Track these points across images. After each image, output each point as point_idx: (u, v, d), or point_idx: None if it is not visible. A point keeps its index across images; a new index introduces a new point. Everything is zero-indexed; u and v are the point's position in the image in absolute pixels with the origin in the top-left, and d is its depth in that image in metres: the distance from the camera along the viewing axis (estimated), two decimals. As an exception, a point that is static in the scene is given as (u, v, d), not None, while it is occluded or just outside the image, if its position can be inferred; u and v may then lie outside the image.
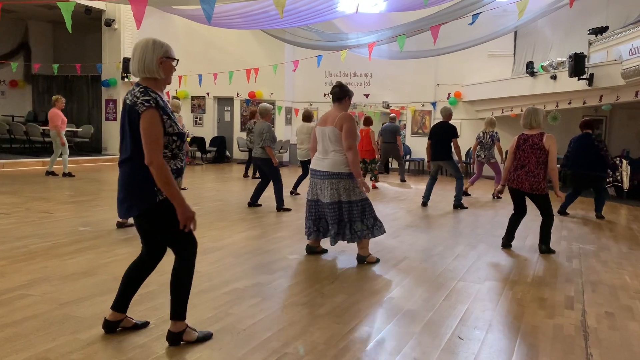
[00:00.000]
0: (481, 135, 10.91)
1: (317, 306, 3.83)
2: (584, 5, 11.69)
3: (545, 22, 13.16)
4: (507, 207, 9.38)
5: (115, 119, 16.25)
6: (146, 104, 2.83)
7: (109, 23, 15.75)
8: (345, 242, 5.19)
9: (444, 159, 9.11)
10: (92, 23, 16.00)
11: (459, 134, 9.30)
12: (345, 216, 5.05)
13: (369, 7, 11.91)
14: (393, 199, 10.28)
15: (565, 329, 3.56)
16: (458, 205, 9.10)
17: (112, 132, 16.29)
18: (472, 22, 8.35)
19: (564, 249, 6.16)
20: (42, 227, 6.23)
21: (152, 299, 3.82)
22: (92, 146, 16.51)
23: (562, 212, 8.86)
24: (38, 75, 17.47)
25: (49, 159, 11.73)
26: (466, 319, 3.68)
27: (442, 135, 9.08)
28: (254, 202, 8.38)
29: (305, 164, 9.77)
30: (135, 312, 3.53)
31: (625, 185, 11.05)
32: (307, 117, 10.05)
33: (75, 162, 11.77)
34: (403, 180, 13.48)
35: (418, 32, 10.95)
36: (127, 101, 2.92)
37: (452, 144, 9.04)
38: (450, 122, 9.30)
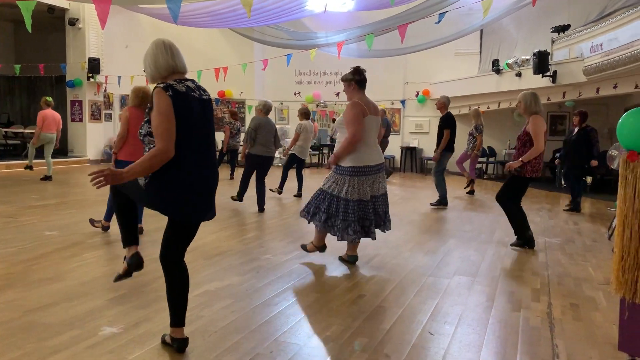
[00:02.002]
0: (482, 128, 10.93)
1: (289, 306, 3.84)
2: (546, 4, 11.94)
3: (510, 21, 13.42)
4: (475, 202, 9.55)
5: (81, 120, 15.91)
6: None
7: (73, 22, 15.40)
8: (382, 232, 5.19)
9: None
10: (56, 22, 15.62)
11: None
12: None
13: (338, 6, 11.96)
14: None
15: (531, 321, 3.65)
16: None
17: (78, 133, 15.95)
18: (439, 21, 8.46)
19: (530, 242, 6.30)
20: (6, 232, 6.06)
21: (123, 303, 3.77)
22: (57, 148, 16.08)
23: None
24: (-1, 76, 17.00)
25: (12, 162, 11.45)
26: (436, 314, 3.74)
27: (455, 126, 9.12)
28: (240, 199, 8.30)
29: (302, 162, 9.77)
30: (105, 316, 3.48)
31: (589, 180, 11.34)
32: (307, 114, 9.95)
33: (40, 165, 11.48)
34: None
35: (386, 31, 11.04)
36: (205, 96, 2.95)
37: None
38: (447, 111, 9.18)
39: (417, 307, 3.90)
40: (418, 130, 16.68)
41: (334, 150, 4.98)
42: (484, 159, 15.35)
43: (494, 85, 13.40)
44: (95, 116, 16.13)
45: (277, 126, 14.34)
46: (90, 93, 15.86)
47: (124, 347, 3.03)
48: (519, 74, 12.18)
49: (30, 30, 7.05)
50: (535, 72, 10.94)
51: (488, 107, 14.24)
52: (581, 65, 9.90)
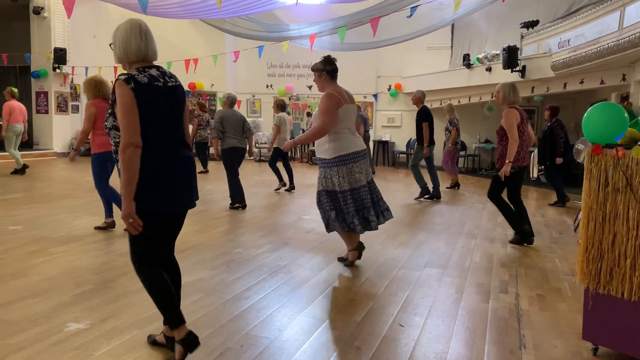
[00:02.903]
0: (456, 122, 10.94)
1: (259, 300, 3.82)
2: (516, 0, 12.14)
3: (480, 16, 13.58)
4: (446, 196, 9.66)
5: (46, 112, 15.52)
6: None
7: (38, 11, 14.97)
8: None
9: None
10: (19, 10, 15.16)
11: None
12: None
13: (310, -2, 11.90)
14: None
15: (500, 312, 3.71)
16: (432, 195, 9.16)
17: (43, 125, 15.55)
18: (411, 15, 8.51)
19: (499, 235, 6.41)
20: (-33, 227, 5.88)
21: (89, 298, 3.69)
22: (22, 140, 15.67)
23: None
24: (-41, 66, 16.43)
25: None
26: (406, 306, 3.77)
27: (432, 119, 9.20)
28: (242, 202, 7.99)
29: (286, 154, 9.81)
30: (71, 312, 3.40)
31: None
32: (283, 106, 9.89)
33: (3, 158, 11.16)
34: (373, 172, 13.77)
35: (358, 24, 11.05)
36: (171, 83, 2.80)
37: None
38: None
39: (387, 299, 3.92)
40: (390, 124, 16.79)
41: (323, 152, 4.76)
42: (463, 153, 15.54)
43: (464, 80, 13.56)
44: (62, 108, 15.76)
45: (249, 119, 14.36)
46: (57, 84, 15.48)
47: (90, 343, 2.97)
48: (489, 69, 12.35)
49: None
50: (505, 67, 11.11)
51: (459, 101, 14.40)
52: (549, 60, 10.09)
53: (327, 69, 4.77)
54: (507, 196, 5.94)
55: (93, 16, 15.86)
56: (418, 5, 8.80)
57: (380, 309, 3.71)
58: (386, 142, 16.69)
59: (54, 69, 15.14)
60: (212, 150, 8.59)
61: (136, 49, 2.74)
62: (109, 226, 5.94)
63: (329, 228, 4.82)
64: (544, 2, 12.34)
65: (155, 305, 2.80)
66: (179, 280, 3.04)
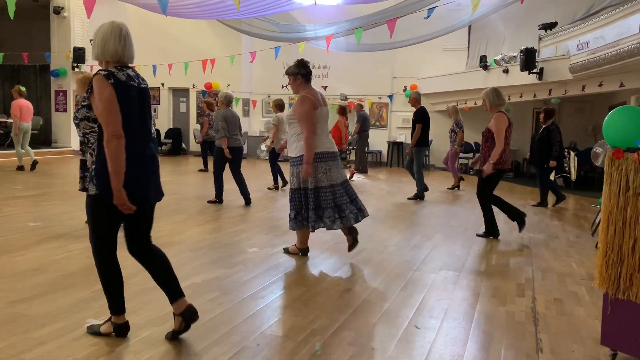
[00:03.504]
0: (462, 124, 11.00)
1: (276, 299, 3.84)
2: (534, 1, 12.03)
3: (497, 17, 13.49)
4: (462, 198, 9.62)
5: (65, 110, 15.72)
6: None
7: (58, 11, 15.17)
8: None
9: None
10: (40, 10, 15.38)
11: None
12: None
13: (327, -1, 11.93)
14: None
15: (516, 315, 3.70)
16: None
17: (62, 123, 15.76)
18: (428, 16, 8.48)
19: (515, 238, 6.37)
20: (-12, 223, 5.99)
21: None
22: (41, 138, 15.92)
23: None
24: (-19, 64, 16.70)
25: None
26: (422, 308, 3.77)
27: (428, 121, 9.28)
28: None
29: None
30: (91, 308, 3.45)
31: (573, 176, 11.49)
32: (281, 106, 10.01)
33: (23, 155, 11.32)
34: (365, 171, 13.79)
35: (375, 25, 11.04)
36: (143, 85, 2.99)
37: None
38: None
39: (403, 301, 3.92)
40: (405, 125, 16.70)
41: (292, 150, 4.94)
42: (470, 155, 15.45)
43: (481, 81, 13.46)
44: (80, 106, 15.93)
45: (263, 119, 14.51)
46: (75, 83, 15.64)
47: (108, 339, 3.01)
48: (506, 71, 12.26)
49: (12, 17, 6.93)
50: (522, 69, 11.02)
51: (475, 103, 14.31)
52: (567, 62, 9.99)
53: (301, 73, 4.90)
54: (477, 192, 6.24)
55: (111, 16, 15.90)
56: (435, 7, 8.76)
57: (395, 310, 3.72)
58: (401, 143, 16.64)
59: (73, 67, 15.34)
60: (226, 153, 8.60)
61: (113, 50, 2.88)
62: None
63: (291, 225, 4.98)
64: (562, 3, 12.22)
65: (103, 289, 3.04)
66: (166, 264, 3.17)
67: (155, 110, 18.09)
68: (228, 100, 8.05)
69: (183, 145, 17.86)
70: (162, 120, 17.96)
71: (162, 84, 17.57)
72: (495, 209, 6.33)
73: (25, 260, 4.59)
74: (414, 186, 9.95)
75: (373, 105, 16.89)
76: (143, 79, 3.03)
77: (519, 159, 15.20)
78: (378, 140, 16.65)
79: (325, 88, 17.07)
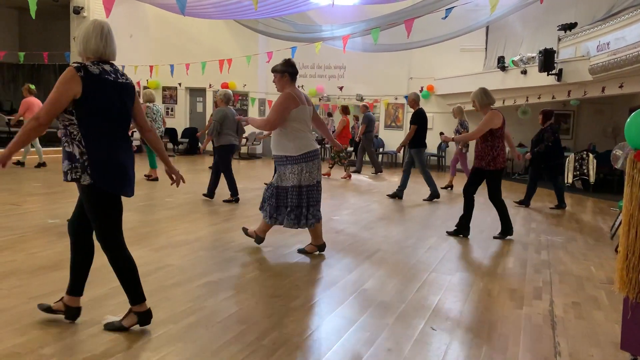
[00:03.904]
0: (467, 124, 11.00)
1: (291, 298, 3.85)
2: (553, 2, 11.90)
3: (516, 18, 13.36)
4: (478, 200, 9.54)
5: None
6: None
7: (78, 10, 15.35)
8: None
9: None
10: (60, 10, 15.59)
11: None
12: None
13: (344, -1, 11.92)
14: (366, 191, 10.33)
15: (533, 318, 3.66)
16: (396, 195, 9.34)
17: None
18: (446, 17, 8.44)
19: (532, 240, 6.30)
20: (9, 219, 6.07)
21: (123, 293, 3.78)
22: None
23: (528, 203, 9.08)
24: (3, 64, 16.96)
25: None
26: (438, 310, 3.75)
27: (426, 122, 9.29)
28: (210, 194, 8.25)
29: None
30: (108, 305, 3.49)
31: (592, 179, 11.35)
32: None
33: (43, 153, 11.49)
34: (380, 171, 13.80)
35: (392, 26, 11.01)
36: (122, 80, 3.04)
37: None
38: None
39: (419, 302, 3.90)
40: (421, 126, 16.63)
41: (276, 149, 5.04)
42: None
43: (499, 82, 13.35)
44: (99, 105, 16.12)
45: None
46: (94, 82, 15.83)
47: (127, 335, 3.04)
48: (524, 72, 12.13)
49: (33, 17, 7.02)
50: (540, 70, 10.89)
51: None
52: (587, 63, 9.85)
53: (289, 71, 5.05)
54: (463, 188, 6.34)
55: (130, 16, 16.18)
56: (453, 7, 8.71)
57: (411, 311, 3.70)
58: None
59: (92, 67, 15.50)
60: (201, 148, 8.76)
61: (95, 48, 2.99)
62: None
63: (276, 221, 5.11)
64: (582, 4, 12.06)
65: (73, 271, 3.19)
66: (133, 263, 3.26)
67: (172, 110, 18.23)
68: (227, 98, 8.17)
69: (199, 144, 17.95)
70: (179, 119, 18.08)
71: (180, 84, 17.70)
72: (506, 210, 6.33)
73: (44, 256, 4.65)
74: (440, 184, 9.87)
75: (389, 106, 16.83)
76: (123, 75, 3.10)
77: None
78: (393, 141, 16.56)
79: (341, 88, 17.08)
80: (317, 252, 5.18)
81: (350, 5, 14.40)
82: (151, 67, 15.04)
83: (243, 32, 16.11)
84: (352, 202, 8.78)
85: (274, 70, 5.10)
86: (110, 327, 3.11)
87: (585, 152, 11.73)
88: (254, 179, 10.59)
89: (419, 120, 9.11)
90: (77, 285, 3.19)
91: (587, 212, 8.94)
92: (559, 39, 11.57)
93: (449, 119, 15.63)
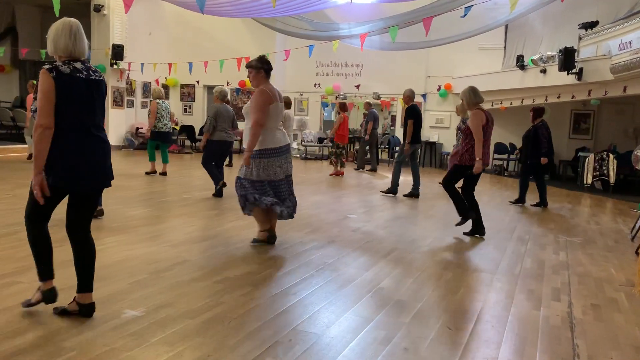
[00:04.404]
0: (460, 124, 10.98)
1: (307, 296, 3.86)
2: (574, 0, 11.74)
3: (535, 16, 13.22)
4: (495, 200, 9.47)
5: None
6: None
7: (98, 9, 15.52)
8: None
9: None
10: (81, 8, 15.75)
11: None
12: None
13: (363, -3, 11.88)
14: (382, 188, 10.30)
15: (551, 320, 3.62)
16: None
17: (101, 119, 16.13)
18: (465, 15, 8.37)
19: (550, 241, 6.24)
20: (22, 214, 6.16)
21: (144, 287, 3.82)
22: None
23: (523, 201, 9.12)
24: (25, 60, 17.22)
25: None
26: (455, 310, 3.73)
27: (420, 118, 9.40)
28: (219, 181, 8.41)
29: None
30: (127, 299, 3.53)
31: (612, 180, 11.19)
32: (288, 103, 10.33)
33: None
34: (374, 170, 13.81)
35: (410, 24, 10.94)
36: (94, 77, 3.17)
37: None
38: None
39: (435, 302, 3.89)
40: (439, 125, 16.55)
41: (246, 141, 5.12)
42: (505, 156, 15.19)
43: (517, 81, 13.23)
44: (118, 102, 16.30)
45: (296, 117, 14.72)
46: (114, 79, 16.00)
47: (145, 330, 3.07)
48: (543, 71, 12.00)
49: (57, 15, 7.13)
50: (560, 69, 10.77)
51: (511, 103, 14.07)
52: (608, 63, 9.71)
53: (264, 67, 5.14)
54: (443, 180, 6.41)
55: (149, 14, 16.34)
56: (472, 5, 8.64)
57: (428, 311, 3.69)
58: (434, 143, 16.48)
59: (112, 64, 15.67)
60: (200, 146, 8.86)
61: (64, 46, 3.11)
62: (97, 214, 6.18)
63: (245, 209, 5.22)
64: (604, 2, 11.88)
65: (33, 257, 3.29)
66: (92, 256, 3.41)
67: (190, 107, 18.37)
68: (223, 96, 8.45)
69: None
70: (197, 117, 18.21)
71: (197, 82, 17.82)
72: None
73: (64, 251, 4.69)
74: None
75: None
76: (95, 71, 3.22)
77: (555, 160, 14.87)
78: (410, 140, 16.51)
79: (357, 87, 17.04)
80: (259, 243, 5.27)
81: (368, 4, 14.37)
82: (170, 64, 15.15)
83: (261, 30, 16.16)
84: (367, 200, 8.77)
85: (249, 66, 5.19)
86: (26, 305, 3.29)
87: (605, 153, 11.57)
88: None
89: (415, 116, 9.18)
90: (44, 269, 3.29)
91: (606, 213, 8.82)
92: (580, 38, 11.42)
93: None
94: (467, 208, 6.25)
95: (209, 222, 6.32)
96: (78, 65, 3.12)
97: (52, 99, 2.97)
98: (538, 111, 9.06)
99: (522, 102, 13.69)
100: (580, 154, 12.88)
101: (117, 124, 16.27)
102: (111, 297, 3.57)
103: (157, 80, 16.69)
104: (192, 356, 2.78)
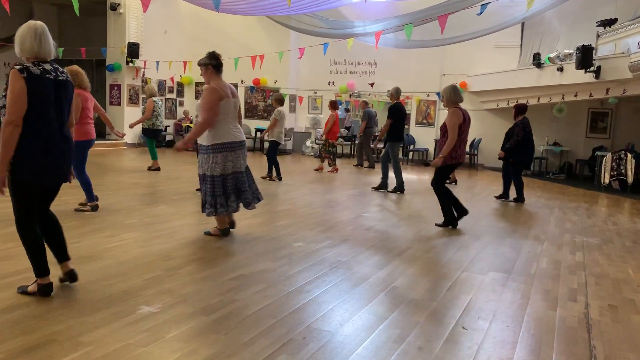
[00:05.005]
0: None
1: (321, 294, 3.86)
2: (593, -3, 11.61)
3: (553, 13, 13.07)
4: (512, 197, 9.39)
5: (119, 104, 16.24)
6: None
7: (115, 7, 15.66)
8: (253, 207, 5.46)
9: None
10: (97, 7, 15.91)
11: None
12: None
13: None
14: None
15: (568, 320, 3.58)
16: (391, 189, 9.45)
17: (116, 116, 16.23)
18: (481, 12, 8.30)
19: (567, 241, 6.17)
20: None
21: (159, 283, 3.85)
22: (96, 130, 16.50)
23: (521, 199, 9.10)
24: (42, 59, 17.41)
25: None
26: (470, 309, 3.71)
27: (404, 116, 9.55)
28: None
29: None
30: (143, 296, 3.56)
31: (630, 179, 11.03)
32: (281, 100, 10.45)
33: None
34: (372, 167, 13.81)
35: (426, 21, 10.87)
36: (62, 78, 3.35)
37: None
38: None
39: (450, 301, 3.87)
40: (453, 124, 16.42)
41: (202, 138, 5.18)
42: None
43: (534, 80, 13.09)
44: (133, 100, 16.43)
45: (309, 116, 14.88)
46: (129, 77, 16.13)
47: (160, 326, 3.10)
48: (560, 69, 11.87)
49: (77, 14, 7.23)
50: (578, 67, 10.64)
51: (527, 102, 13.89)
52: (627, 60, 9.58)
53: (212, 63, 5.14)
54: (431, 182, 6.62)
55: (164, 12, 16.43)
56: (489, 3, 8.56)
57: (442, 310, 3.67)
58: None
59: (127, 62, 15.79)
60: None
61: (29, 48, 3.27)
62: (92, 209, 6.33)
63: (204, 209, 5.27)
64: (623, -1, 11.73)
65: (29, 258, 3.44)
66: (58, 227, 3.66)
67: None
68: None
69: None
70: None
71: (212, 79, 17.86)
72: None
73: (81, 247, 4.77)
74: (461, 185, 9.79)
75: (420, 103, 16.67)
76: (63, 72, 3.39)
77: (572, 159, 14.72)
78: (425, 138, 16.46)
79: (372, 85, 16.98)
80: (222, 236, 5.36)
81: (383, 1, 14.31)
82: (185, 62, 15.23)
83: (275, 28, 16.18)
84: (380, 199, 8.74)
85: (199, 64, 5.24)
86: (21, 291, 3.49)
87: (623, 152, 11.41)
88: (283, 174, 10.63)
89: (394, 115, 9.29)
90: (41, 268, 3.46)
91: (624, 213, 8.70)
92: (598, 35, 11.28)
93: (483, 116, 15.44)
94: (453, 217, 6.48)
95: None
96: (47, 66, 3.28)
97: (24, 99, 3.12)
98: (519, 108, 9.07)
99: (538, 100, 13.55)
100: (598, 153, 12.71)
101: (133, 121, 16.36)
102: (127, 293, 3.61)
103: (172, 78, 16.80)
104: (206, 353, 2.79)
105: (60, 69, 3.41)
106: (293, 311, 3.47)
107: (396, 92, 9.61)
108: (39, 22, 3.36)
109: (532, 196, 9.99)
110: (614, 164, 11.33)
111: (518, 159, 8.96)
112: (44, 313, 3.19)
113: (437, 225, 6.56)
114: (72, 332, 2.94)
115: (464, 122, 6.32)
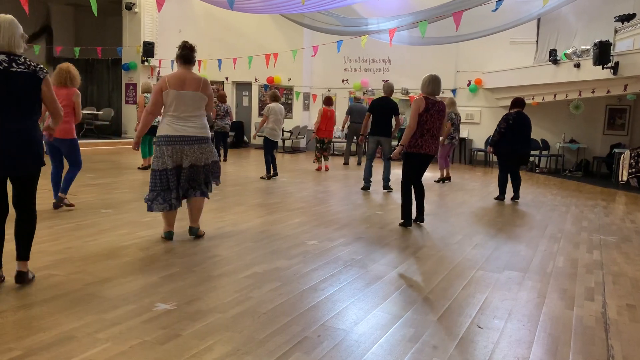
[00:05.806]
0: (453, 116, 10.87)
1: (335, 292, 3.86)
2: (610, -8, 11.45)
3: (569, 9, 12.91)
4: (526, 198, 9.30)
5: (135, 102, 16.38)
6: (45, 70, 3.60)
7: (130, 6, 15.80)
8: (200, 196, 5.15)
9: (387, 136, 9.21)
10: (113, 6, 16.07)
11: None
12: (207, 175, 5.19)
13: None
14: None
15: (585, 320, 3.55)
16: (387, 187, 9.27)
17: (132, 115, 16.40)
18: (496, 9, 8.23)
19: (584, 239, 6.10)
20: (64, 208, 6.33)
21: (175, 281, 3.88)
22: (112, 129, 16.70)
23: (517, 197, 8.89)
24: (60, 58, 17.58)
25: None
26: (485, 308, 3.68)
27: (387, 111, 9.24)
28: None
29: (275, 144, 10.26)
30: (159, 293, 3.59)
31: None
32: (276, 97, 10.42)
33: (95, 145, 11.90)
34: (359, 163, 13.80)
35: (440, 18, 10.81)
36: (13, 69, 3.40)
37: (392, 121, 9.21)
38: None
39: (465, 300, 3.85)
40: (469, 121, 16.30)
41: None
42: (537, 152, 14.90)
43: (550, 76, 12.95)
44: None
45: None
46: (144, 76, 16.26)
47: (177, 323, 3.12)
48: (577, 65, 11.72)
49: (96, 14, 7.31)
50: (595, 63, 10.50)
51: (543, 99, 13.78)
52: (646, 56, 9.44)
53: (177, 54, 5.11)
54: (402, 174, 6.47)
55: (179, 12, 16.54)
56: (504, -1, 8.49)
57: (457, 309, 3.65)
58: (464, 139, 16.26)
59: (143, 61, 15.92)
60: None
61: None
62: (67, 205, 6.39)
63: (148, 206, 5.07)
64: (641, -6, 11.53)
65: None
66: (32, 228, 3.75)
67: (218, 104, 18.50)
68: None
69: (245, 138, 18.20)
70: (225, 113, 18.34)
71: (227, 78, 17.96)
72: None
73: (98, 244, 4.83)
74: (476, 184, 9.73)
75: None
76: (22, 64, 3.45)
77: (589, 157, 14.54)
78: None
79: (385, 82, 16.90)
80: (163, 237, 5.13)
81: (397, -1, 14.24)
82: (199, 61, 15.27)
83: (289, 26, 16.19)
84: (395, 197, 8.72)
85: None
86: None
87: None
88: (297, 172, 10.65)
89: (372, 110, 9.26)
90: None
91: (643, 211, 8.58)
92: (616, 31, 11.12)
93: (498, 113, 15.26)
94: (410, 218, 6.33)
95: (238, 217, 6.38)
96: (1, 57, 3.39)
97: None
98: (514, 102, 8.86)
99: (554, 97, 13.40)
100: (616, 150, 12.55)
101: (148, 120, 16.51)
102: (144, 290, 3.64)
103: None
104: (222, 350, 2.81)
105: (21, 60, 3.45)
106: (308, 309, 3.48)
107: (387, 88, 9.54)
108: (1, 15, 3.47)
109: (548, 194, 9.89)
110: (632, 161, 11.17)
111: (498, 152, 8.75)
112: (61, 310, 3.23)
113: (400, 225, 6.33)
114: (90, 329, 2.98)
115: (427, 112, 6.17)
